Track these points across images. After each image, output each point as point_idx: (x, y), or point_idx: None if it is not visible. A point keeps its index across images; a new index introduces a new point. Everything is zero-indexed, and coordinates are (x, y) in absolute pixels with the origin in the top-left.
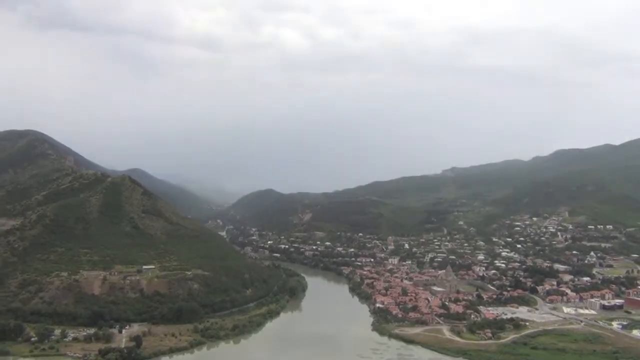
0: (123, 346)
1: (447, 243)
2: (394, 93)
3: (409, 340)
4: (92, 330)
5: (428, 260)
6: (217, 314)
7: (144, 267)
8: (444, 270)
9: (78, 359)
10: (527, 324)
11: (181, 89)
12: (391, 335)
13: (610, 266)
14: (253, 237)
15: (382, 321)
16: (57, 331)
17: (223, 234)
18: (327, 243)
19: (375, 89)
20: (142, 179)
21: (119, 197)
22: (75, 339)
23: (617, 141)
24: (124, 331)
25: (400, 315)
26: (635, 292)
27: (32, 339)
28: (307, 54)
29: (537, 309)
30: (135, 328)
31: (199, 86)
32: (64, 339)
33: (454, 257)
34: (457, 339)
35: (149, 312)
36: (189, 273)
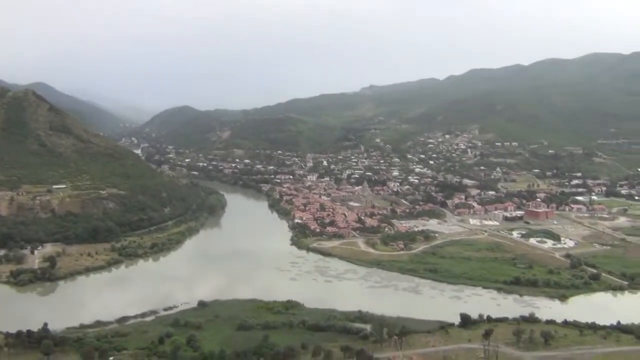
0: (37, 267)
1: (364, 160)
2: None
3: (326, 253)
4: (1, 252)
5: (345, 176)
6: (135, 232)
7: (55, 186)
8: (361, 186)
9: None
10: (437, 235)
11: None
12: (309, 249)
13: (514, 181)
14: (170, 156)
15: (301, 236)
16: None
17: (138, 152)
18: (246, 161)
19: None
20: (47, 94)
21: (22, 113)
22: None
23: (526, 62)
24: (36, 252)
25: (318, 230)
26: (534, 204)
27: None
28: None
29: (446, 222)
30: (49, 249)
31: None
32: None
33: (370, 173)
34: (372, 250)
35: (62, 232)
36: (104, 192)
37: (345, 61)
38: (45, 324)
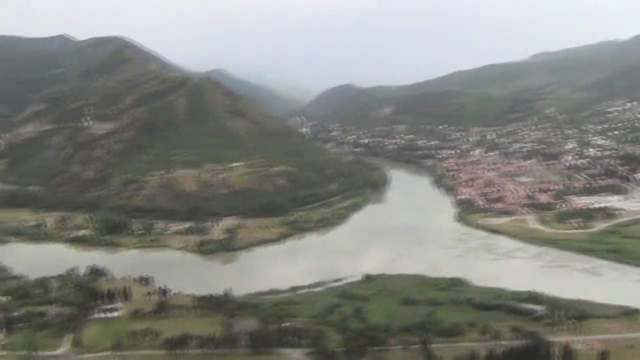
0: (219, 238)
1: (534, 132)
2: None
3: (493, 231)
4: (189, 224)
5: (514, 150)
6: (303, 207)
7: (232, 164)
8: (531, 160)
9: (179, 250)
10: (620, 212)
11: None
12: (475, 226)
13: None
14: (334, 133)
15: (466, 212)
16: (159, 225)
17: (305, 130)
18: (409, 136)
19: None
20: (223, 79)
21: (203, 99)
22: (175, 232)
23: None
24: (220, 224)
25: (484, 206)
26: None
27: (137, 232)
28: None
29: (631, 198)
30: (229, 221)
31: None
32: (165, 232)
33: (541, 146)
34: (544, 228)
35: (239, 206)
36: (275, 169)
37: (511, 28)
38: (228, 290)
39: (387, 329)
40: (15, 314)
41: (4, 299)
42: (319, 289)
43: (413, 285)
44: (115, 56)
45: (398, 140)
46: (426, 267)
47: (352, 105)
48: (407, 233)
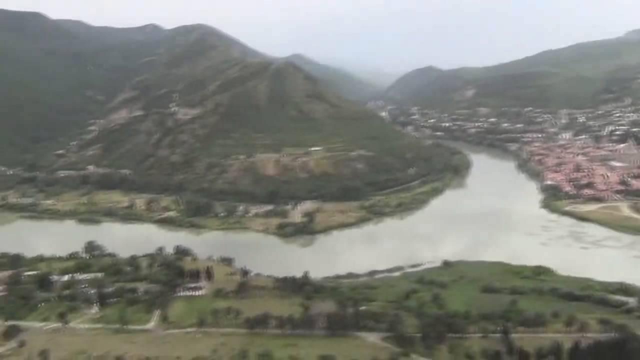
0: (298, 221)
1: (629, 114)
2: None
3: (581, 218)
4: (269, 207)
5: (606, 133)
6: (381, 192)
7: (311, 149)
8: (625, 144)
9: (260, 232)
10: None
11: None
12: (562, 213)
13: None
14: (414, 117)
15: (552, 198)
16: (241, 208)
17: (384, 114)
18: (492, 119)
19: None
20: (303, 64)
21: (283, 84)
22: (256, 215)
23: None
24: (299, 207)
25: (572, 192)
26: None
27: (220, 214)
28: None
29: None
30: (308, 205)
31: None
32: (247, 215)
33: (637, 129)
34: (638, 216)
35: (318, 190)
36: (354, 154)
37: (605, 3)
38: (307, 272)
39: (466, 316)
40: (109, 289)
41: (99, 275)
42: (396, 273)
43: (494, 273)
44: (199, 44)
45: (480, 123)
46: (508, 254)
47: (433, 88)
48: (489, 219)
